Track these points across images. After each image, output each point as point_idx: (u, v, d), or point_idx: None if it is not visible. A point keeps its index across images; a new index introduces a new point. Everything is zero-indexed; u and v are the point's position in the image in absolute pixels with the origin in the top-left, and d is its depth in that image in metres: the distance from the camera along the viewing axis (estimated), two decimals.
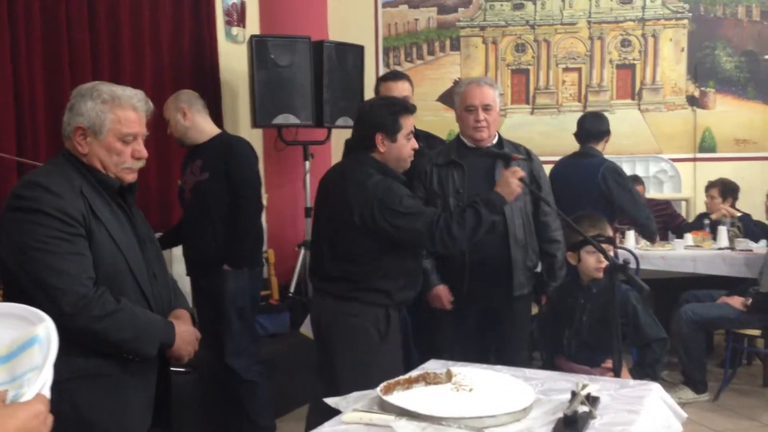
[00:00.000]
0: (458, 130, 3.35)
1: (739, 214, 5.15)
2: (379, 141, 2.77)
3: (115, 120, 2.08)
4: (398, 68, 6.30)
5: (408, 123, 2.82)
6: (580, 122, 4.53)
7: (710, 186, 5.29)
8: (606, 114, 5.99)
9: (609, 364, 2.72)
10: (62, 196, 1.99)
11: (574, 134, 4.56)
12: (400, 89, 3.79)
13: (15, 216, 1.99)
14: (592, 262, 2.92)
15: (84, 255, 1.99)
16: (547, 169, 4.49)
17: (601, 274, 2.89)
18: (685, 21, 5.95)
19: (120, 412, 2.05)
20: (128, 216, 2.17)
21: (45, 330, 1.17)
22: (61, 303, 1.92)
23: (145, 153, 2.16)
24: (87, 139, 2.08)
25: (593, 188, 4.30)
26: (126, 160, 2.12)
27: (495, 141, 3.29)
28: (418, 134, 3.92)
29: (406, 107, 2.87)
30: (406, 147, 2.82)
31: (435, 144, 3.78)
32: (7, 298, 2.07)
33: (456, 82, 2.94)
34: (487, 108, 3.19)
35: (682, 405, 3.27)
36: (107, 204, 2.10)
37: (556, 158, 4.66)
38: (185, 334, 2.20)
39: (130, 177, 2.16)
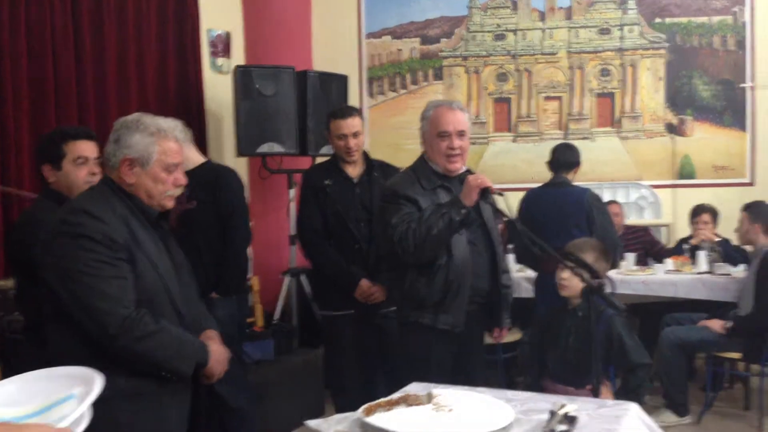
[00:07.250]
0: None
1: (718, 240, 5.22)
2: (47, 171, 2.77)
3: (161, 151, 2.19)
4: (381, 97, 6.40)
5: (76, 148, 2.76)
6: (554, 151, 4.62)
7: (701, 212, 5.32)
8: (587, 141, 6.15)
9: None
10: (106, 222, 2.08)
11: (547, 162, 4.65)
12: (349, 126, 3.77)
13: (61, 241, 2.07)
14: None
15: (126, 278, 2.08)
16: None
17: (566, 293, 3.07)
18: (663, 51, 6.08)
19: (158, 430, 2.16)
20: (164, 242, 2.28)
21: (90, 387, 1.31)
22: (106, 325, 2.01)
23: (184, 180, 2.28)
24: (134, 170, 2.17)
25: (582, 215, 4.36)
26: (169, 188, 2.23)
27: (463, 170, 3.00)
28: (373, 163, 3.92)
29: (71, 134, 2.80)
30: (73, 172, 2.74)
31: (390, 173, 3.70)
32: (46, 317, 2.18)
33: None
34: (461, 134, 2.94)
35: (665, 428, 3.28)
36: (146, 230, 2.19)
37: (538, 185, 4.72)
38: (217, 353, 2.32)
39: (170, 203, 2.27)
